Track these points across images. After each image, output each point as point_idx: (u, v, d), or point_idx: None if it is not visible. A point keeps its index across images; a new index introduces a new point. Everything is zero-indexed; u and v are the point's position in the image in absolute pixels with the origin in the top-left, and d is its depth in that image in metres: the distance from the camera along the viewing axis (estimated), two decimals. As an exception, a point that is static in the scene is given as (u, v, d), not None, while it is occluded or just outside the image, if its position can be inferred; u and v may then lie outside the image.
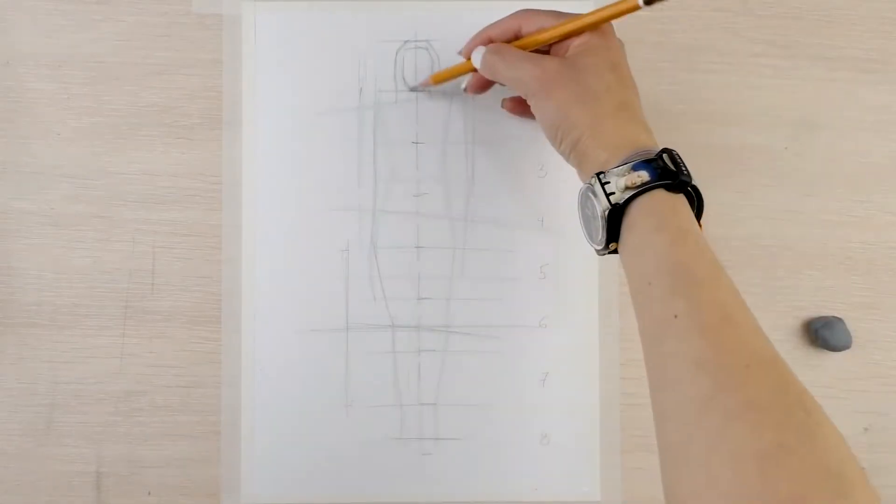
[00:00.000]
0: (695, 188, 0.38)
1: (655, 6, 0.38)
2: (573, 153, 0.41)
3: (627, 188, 0.37)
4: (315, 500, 0.49)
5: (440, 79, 0.49)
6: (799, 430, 0.30)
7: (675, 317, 0.34)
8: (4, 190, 0.50)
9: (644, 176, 0.37)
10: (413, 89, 0.51)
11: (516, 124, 0.51)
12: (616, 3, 0.40)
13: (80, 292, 0.50)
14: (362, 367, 0.50)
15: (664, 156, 0.38)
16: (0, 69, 0.51)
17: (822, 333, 0.50)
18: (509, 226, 0.51)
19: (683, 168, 0.38)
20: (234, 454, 0.49)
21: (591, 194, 0.39)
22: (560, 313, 0.50)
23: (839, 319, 0.50)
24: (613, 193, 0.37)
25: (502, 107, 0.49)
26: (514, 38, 0.44)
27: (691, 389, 0.32)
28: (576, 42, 0.42)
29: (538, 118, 0.42)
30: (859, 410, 0.51)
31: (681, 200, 0.38)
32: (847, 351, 0.50)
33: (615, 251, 0.39)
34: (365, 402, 0.50)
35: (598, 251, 0.40)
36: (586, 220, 0.41)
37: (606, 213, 0.38)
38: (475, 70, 0.45)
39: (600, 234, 0.39)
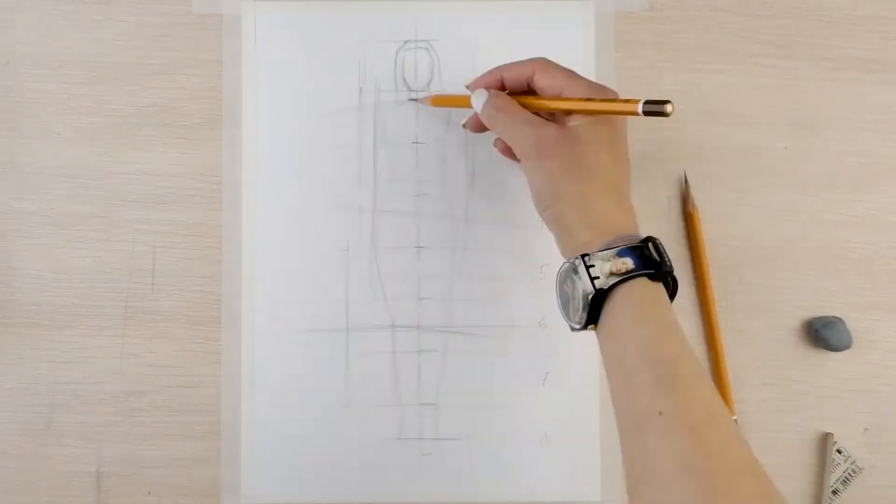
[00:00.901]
0: (674, 278, 0.40)
1: (651, 118, 0.38)
2: (555, 224, 0.41)
3: (612, 274, 0.38)
4: (315, 500, 0.49)
5: (439, 103, 0.49)
6: None
7: (660, 413, 0.34)
8: (4, 190, 0.50)
9: (629, 263, 0.38)
10: (413, 99, 0.51)
11: (516, 124, 0.51)
12: (620, 102, 0.40)
13: (80, 292, 0.50)
14: (362, 367, 0.50)
15: (649, 245, 0.39)
16: (0, 69, 0.51)
17: (822, 333, 0.50)
18: (509, 226, 0.51)
19: (666, 258, 0.39)
20: (234, 454, 0.49)
21: (573, 274, 0.39)
22: (560, 313, 0.50)
23: (839, 319, 0.50)
24: (598, 278, 0.38)
25: (494, 146, 0.48)
26: (525, 85, 0.44)
27: (676, 492, 0.33)
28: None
29: (527, 179, 0.42)
30: (859, 410, 0.51)
31: (661, 290, 0.39)
32: (847, 351, 0.50)
33: (591, 329, 0.40)
34: (365, 402, 0.50)
35: (572, 328, 0.41)
36: (564, 298, 0.41)
37: (590, 297, 0.38)
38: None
39: (579, 315, 0.39)
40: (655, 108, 0.37)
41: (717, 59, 0.52)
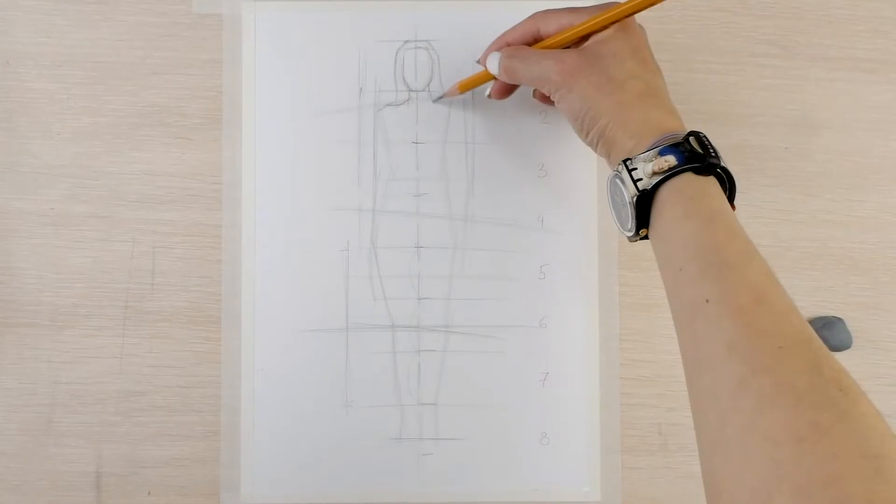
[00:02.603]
0: (725, 169, 0.38)
1: None
2: (600, 143, 0.41)
3: (655, 173, 0.37)
4: (315, 500, 0.49)
5: (465, 87, 0.48)
6: (834, 410, 0.30)
7: (707, 301, 0.34)
8: (4, 190, 0.50)
9: (671, 160, 0.37)
10: (438, 100, 0.51)
11: (516, 124, 0.51)
12: (622, 4, 0.39)
13: (80, 292, 0.50)
14: (362, 367, 0.50)
15: (691, 139, 0.38)
16: (0, 69, 0.51)
17: (821, 333, 0.50)
18: (509, 226, 0.51)
19: (712, 150, 0.38)
20: (234, 454, 0.49)
21: (618, 181, 0.38)
22: (560, 313, 0.50)
23: (839, 319, 0.50)
24: (641, 179, 0.37)
25: (533, 96, 0.48)
26: (533, 42, 0.44)
27: (724, 373, 0.32)
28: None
29: (563, 111, 0.42)
30: (859, 410, 0.51)
31: (710, 182, 0.37)
32: (847, 351, 0.50)
33: (646, 237, 0.39)
34: (365, 402, 0.50)
35: (629, 238, 0.40)
36: (616, 207, 0.40)
37: (634, 199, 0.37)
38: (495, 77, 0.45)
39: (630, 221, 0.38)
40: None
41: (717, 59, 0.52)
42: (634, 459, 0.50)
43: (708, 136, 0.38)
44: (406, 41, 0.51)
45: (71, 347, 0.50)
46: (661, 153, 0.37)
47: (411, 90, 0.51)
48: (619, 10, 0.40)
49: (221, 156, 0.50)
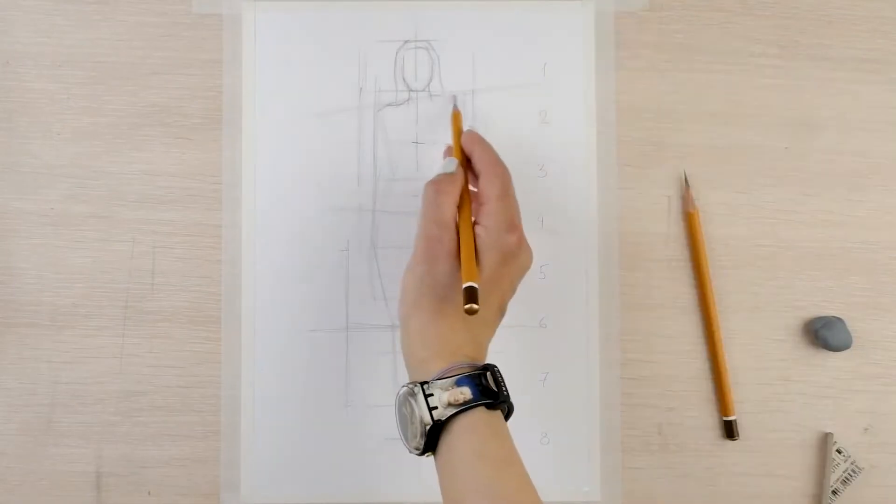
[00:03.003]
0: (510, 404, 0.40)
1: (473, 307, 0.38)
2: (402, 328, 0.42)
3: (450, 405, 0.38)
4: (315, 500, 0.49)
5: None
6: None
7: None
8: (4, 190, 0.50)
9: (467, 394, 0.38)
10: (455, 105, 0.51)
11: (516, 124, 0.51)
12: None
13: (80, 292, 0.50)
14: (362, 367, 0.50)
15: (487, 374, 0.39)
16: (0, 69, 0.51)
17: (822, 333, 0.50)
18: (509, 226, 0.50)
19: (504, 387, 0.39)
20: (234, 454, 0.49)
21: (412, 399, 0.39)
22: (560, 313, 0.50)
23: (839, 319, 0.50)
24: (436, 408, 0.38)
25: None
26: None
27: None
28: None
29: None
30: (859, 410, 0.51)
31: (499, 419, 0.39)
32: (847, 351, 0.50)
33: (430, 456, 0.40)
34: (365, 402, 0.50)
35: (410, 451, 0.40)
36: (403, 420, 0.40)
37: (428, 428, 0.38)
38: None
39: (418, 441, 0.39)
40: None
41: (717, 59, 0.52)
42: (634, 459, 0.50)
43: (499, 370, 0.40)
44: (406, 41, 0.51)
45: (71, 347, 0.50)
46: (458, 383, 0.38)
47: (411, 90, 0.51)
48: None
49: (221, 156, 0.50)
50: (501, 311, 0.43)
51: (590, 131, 0.51)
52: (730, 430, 0.50)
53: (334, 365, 0.50)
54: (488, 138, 0.49)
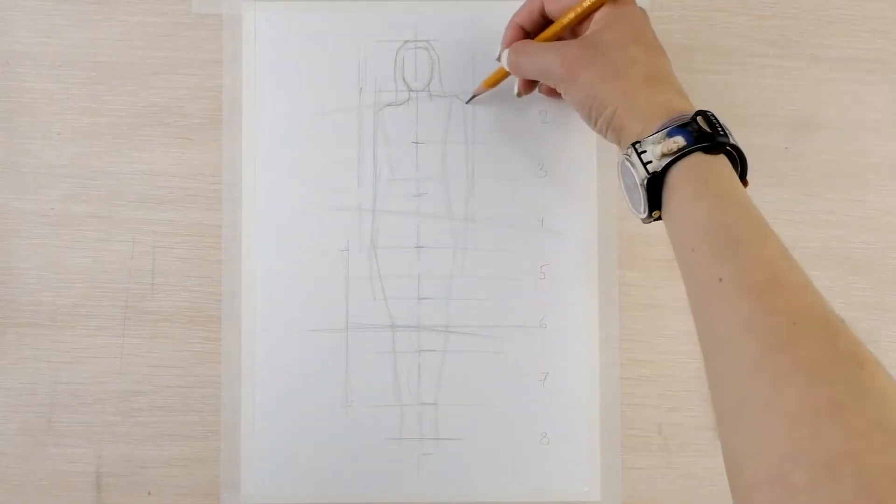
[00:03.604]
0: (735, 147, 0.38)
1: None
2: (610, 130, 0.40)
3: (664, 155, 0.37)
4: (315, 500, 0.49)
5: (490, 84, 0.48)
6: (851, 384, 0.29)
7: (720, 280, 0.33)
8: (4, 190, 0.50)
9: (680, 141, 0.36)
10: (470, 100, 0.50)
11: (516, 124, 0.51)
12: None
13: (80, 292, 0.50)
14: (362, 367, 0.50)
15: (699, 118, 0.37)
16: (0, 69, 0.51)
17: (822, 333, 0.50)
18: (509, 226, 0.51)
19: (720, 129, 0.37)
20: (234, 454, 0.49)
21: (628, 164, 0.38)
22: (560, 313, 0.50)
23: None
24: (651, 162, 0.37)
25: (539, 90, 0.48)
26: (540, 20, 0.44)
27: (740, 352, 0.32)
28: (595, 17, 0.41)
29: (570, 102, 0.42)
30: (859, 410, 0.51)
31: (720, 161, 0.37)
32: (847, 351, 0.50)
33: (660, 218, 0.39)
34: (365, 402, 0.50)
35: (642, 220, 0.40)
36: (628, 191, 0.40)
37: (645, 181, 0.37)
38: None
39: (642, 204, 0.38)
40: None
41: (717, 59, 0.52)
42: (634, 459, 0.50)
43: (713, 114, 0.38)
44: (406, 41, 0.51)
45: (71, 347, 0.50)
46: (670, 134, 0.37)
47: (411, 90, 0.51)
48: None
49: (221, 156, 0.50)
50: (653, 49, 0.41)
51: (590, 130, 0.51)
52: (730, 430, 0.50)
53: (334, 365, 0.50)
54: (488, 138, 0.49)
